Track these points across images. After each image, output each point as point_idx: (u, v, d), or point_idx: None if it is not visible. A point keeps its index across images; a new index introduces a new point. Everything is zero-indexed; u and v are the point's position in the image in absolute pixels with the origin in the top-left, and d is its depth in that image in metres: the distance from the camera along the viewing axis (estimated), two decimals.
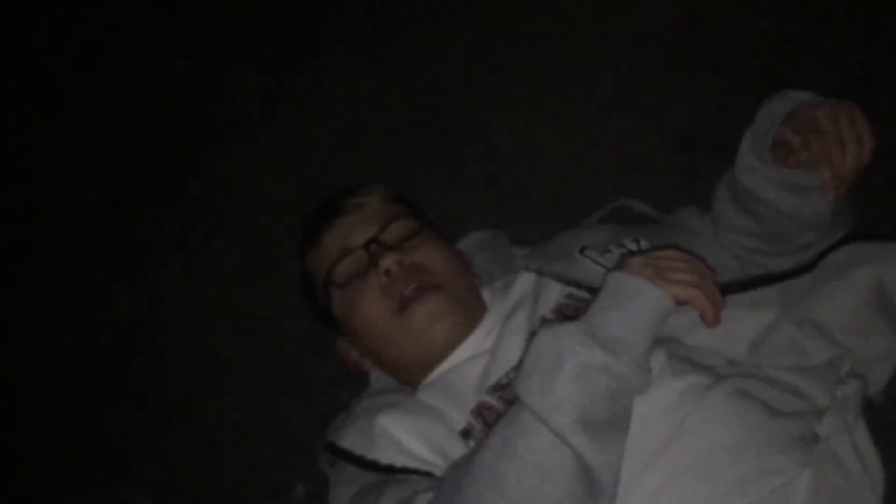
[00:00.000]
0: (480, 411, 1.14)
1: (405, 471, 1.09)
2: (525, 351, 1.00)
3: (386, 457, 1.11)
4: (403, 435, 1.13)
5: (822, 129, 1.07)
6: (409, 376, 1.29)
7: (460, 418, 1.16)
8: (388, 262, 1.23)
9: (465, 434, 1.14)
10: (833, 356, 1.11)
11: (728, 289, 1.10)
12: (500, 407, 1.12)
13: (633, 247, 1.25)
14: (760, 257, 1.26)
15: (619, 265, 1.04)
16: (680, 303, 0.99)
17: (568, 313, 1.18)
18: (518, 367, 1.04)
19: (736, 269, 1.27)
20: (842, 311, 1.13)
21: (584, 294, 1.19)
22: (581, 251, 1.26)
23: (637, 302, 0.97)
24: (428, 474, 1.08)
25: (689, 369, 1.07)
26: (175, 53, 1.87)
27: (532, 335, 1.10)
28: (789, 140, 1.12)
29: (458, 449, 1.11)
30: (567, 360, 0.91)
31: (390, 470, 1.10)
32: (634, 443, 0.97)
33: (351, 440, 1.17)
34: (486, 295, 1.33)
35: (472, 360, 1.22)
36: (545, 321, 1.18)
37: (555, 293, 1.22)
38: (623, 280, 0.99)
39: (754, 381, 1.09)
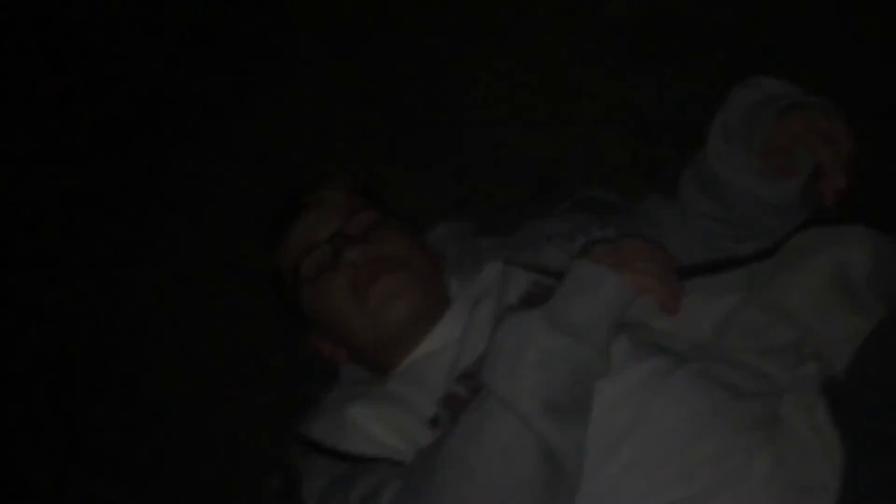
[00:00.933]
0: (448, 400, 1.15)
1: (376, 460, 1.10)
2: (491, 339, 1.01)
3: (356, 446, 1.12)
4: (373, 424, 1.14)
5: (830, 139, 1.07)
6: (379, 363, 1.29)
7: (428, 407, 1.16)
8: (353, 254, 1.23)
9: (433, 423, 1.15)
10: (797, 338, 1.13)
11: (692, 273, 1.12)
12: (466, 396, 1.12)
13: (600, 235, 1.26)
14: (725, 242, 1.26)
15: (583, 253, 1.06)
16: (640, 292, 1.01)
17: (534, 301, 1.18)
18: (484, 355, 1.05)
19: (701, 255, 1.27)
20: (805, 293, 1.15)
21: (550, 282, 1.18)
22: (548, 240, 1.28)
23: (599, 289, 0.98)
24: (399, 463, 1.09)
25: (652, 353, 1.08)
26: (143, 49, 1.87)
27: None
28: (785, 145, 1.12)
29: (426, 438, 1.12)
30: (529, 345, 0.93)
31: (361, 459, 1.11)
32: (598, 428, 0.98)
33: (321, 431, 1.17)
34: (454, 285, 1.33)
35: (440, 350, 1.22)
36: (511, 309, 1.19)
37: (522, 281, 1.22)
38: (586, 267, 1.01)
39: (718, 364, 1.10)
